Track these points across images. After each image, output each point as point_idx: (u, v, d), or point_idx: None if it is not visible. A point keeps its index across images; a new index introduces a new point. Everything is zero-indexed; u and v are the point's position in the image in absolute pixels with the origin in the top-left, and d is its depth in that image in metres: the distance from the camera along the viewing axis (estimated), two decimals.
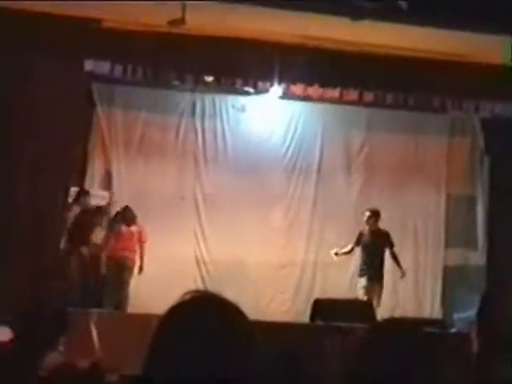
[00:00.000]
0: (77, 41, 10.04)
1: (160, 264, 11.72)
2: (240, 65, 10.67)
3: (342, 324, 9.47)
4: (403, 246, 12.39)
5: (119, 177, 12.54)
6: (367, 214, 11.62)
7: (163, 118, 12.71)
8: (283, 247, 12.83)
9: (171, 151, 12.72)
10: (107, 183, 12.52)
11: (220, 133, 12.93)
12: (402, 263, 11.62)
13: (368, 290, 11.31)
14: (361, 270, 11.57)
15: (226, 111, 12.95)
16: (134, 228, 11.63)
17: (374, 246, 11.48)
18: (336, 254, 11.68)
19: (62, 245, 11.04)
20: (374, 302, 11.01)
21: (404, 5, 9.08)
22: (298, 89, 11.36)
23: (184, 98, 12.80)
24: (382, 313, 10.69)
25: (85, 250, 11.29)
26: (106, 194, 12.33)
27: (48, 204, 10.24)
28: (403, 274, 11.58)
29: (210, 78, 11.05)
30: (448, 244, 13.28)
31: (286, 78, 10.94)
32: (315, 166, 13.09)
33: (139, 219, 11.68)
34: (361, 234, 11.62)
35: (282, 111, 12.90)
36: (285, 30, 10.24)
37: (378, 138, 13.16)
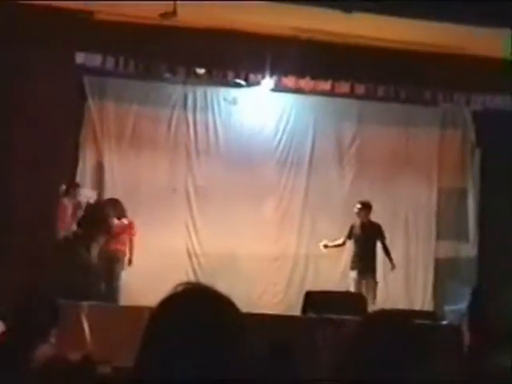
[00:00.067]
0: (68, 33, 10.01)
1: (152, 256, 11.73)
2: (231, 57, 10.68)
3: (334, 316, 9.48)
4: (394, 238, 12.42)
5: (111, 169, 12.51)
6: (358, 206, 11.57)
7: (155, 111, 12.69)
8: (275, 239, 12.84)
9: (163, 144, 12.70)
10: (99, 176, 12.50)
11: (212, 125, 12.91)
12: (394, 255, 11.61)
13: (358, 283, 11.29)
14: (352, 262, 11.54)
15: (217, 104, 12.93)
16: (124, 221, 11.64)
17: (366, 239, 11.44)
18: (326, 246, 11.66)
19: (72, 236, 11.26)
20: (369, 297, 10.88)
21: None
22: (289, 81, 11.36)
23: (176, 91, 12.77)
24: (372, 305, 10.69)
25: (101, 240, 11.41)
26: (93, 192, 12.36)
27: (40, 196, 10.21)
28: (393, 267, 11.57)
29: (201, 71, 11.05)
30: (439, 236, 13.30)
31: (278, 70, 10.94)
32: (307, 159, 13.09)
33: (131, 211, 11.67)
34: (352, 227, 11.58)
35: (273, 104, 12.88)
36: (276, 23, 10.22)
37: (369, 131, 13.16)
